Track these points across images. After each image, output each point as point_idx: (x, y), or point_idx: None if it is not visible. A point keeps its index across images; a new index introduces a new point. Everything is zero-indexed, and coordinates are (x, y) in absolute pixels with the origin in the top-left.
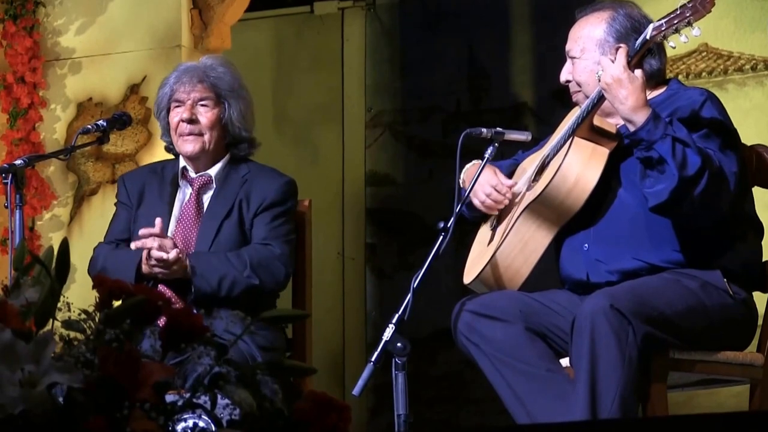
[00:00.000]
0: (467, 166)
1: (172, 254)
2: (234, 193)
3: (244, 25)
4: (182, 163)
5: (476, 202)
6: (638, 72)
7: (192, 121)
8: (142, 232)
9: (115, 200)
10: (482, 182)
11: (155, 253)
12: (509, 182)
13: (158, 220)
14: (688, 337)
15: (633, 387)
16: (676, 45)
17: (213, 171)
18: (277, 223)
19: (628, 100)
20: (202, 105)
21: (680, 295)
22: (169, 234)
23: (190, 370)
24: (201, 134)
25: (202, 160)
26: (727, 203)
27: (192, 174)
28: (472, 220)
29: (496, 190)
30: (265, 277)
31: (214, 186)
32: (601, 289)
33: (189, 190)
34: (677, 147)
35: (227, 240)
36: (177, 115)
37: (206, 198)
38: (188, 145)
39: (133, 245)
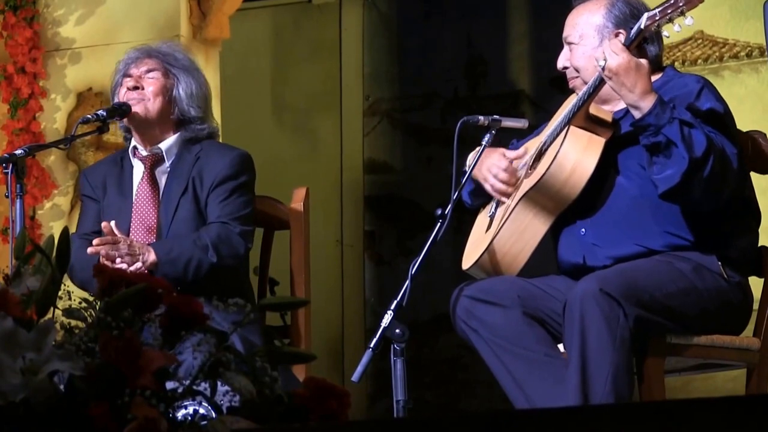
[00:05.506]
0: (477, 148)
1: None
2: (188, 170)
3: (243, 15)
4: (133, 143)
5: (487, 186)
6: (642, 60)
7: (137, 88)
8: (95, 241)
9: (81, 195)
10: (489, 165)
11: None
12: (514, 154)
13: (107, 224)
14: (682, 320)
15: (626, 369)
16: (670, 34)
17: (163, 146)
18: (232, 199)
19: (636, 88)
20: (150, 77)
21: (672, 278)
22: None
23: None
24: (143, 99)
25: (147, 130)
26: (733, 184)
27: (143, 152)
28: (472, 208)
29: (504, 171)
30: (227, 253)
31: (167, 162)
32: (591, 273)
33: (142, 168)
34: (684, 129)
35: (186, 217)
36: (124, 87)
37: (159, 174)
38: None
39: (89, 251)
